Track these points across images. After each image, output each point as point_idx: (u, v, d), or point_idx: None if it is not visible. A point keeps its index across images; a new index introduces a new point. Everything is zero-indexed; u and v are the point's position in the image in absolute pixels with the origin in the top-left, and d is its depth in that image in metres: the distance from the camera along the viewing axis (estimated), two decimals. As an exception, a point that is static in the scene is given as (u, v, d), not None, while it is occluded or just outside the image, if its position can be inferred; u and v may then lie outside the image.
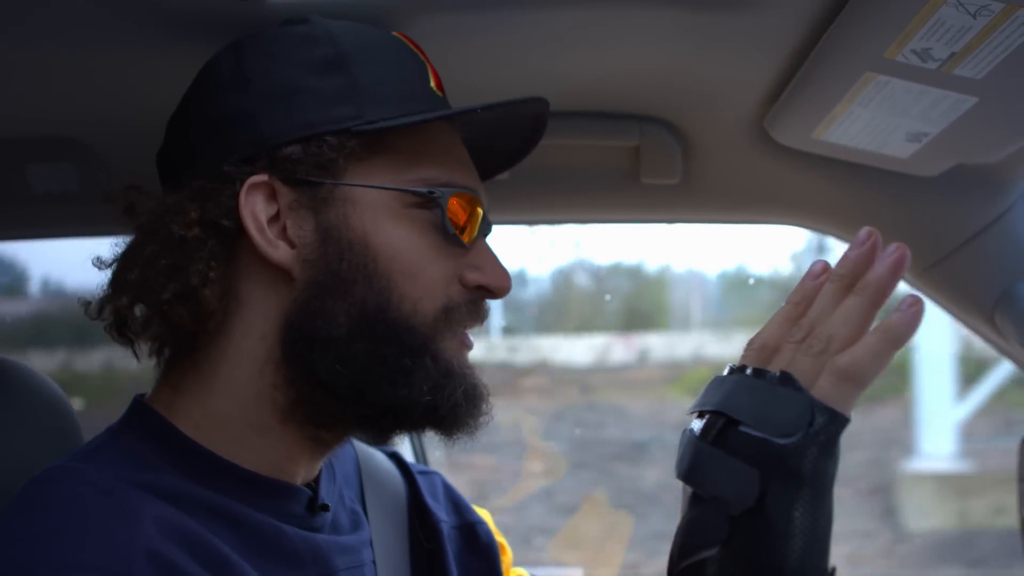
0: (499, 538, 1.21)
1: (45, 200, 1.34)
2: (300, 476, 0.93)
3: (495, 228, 1.00)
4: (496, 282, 0.93)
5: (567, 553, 4.66)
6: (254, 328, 0.88)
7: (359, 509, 1.05)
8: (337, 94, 0.89)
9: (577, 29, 1.06)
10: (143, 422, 0.89)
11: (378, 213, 0.88)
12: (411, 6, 1.00)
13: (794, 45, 1.06)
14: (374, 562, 1.01)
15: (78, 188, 1.32)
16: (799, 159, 1.28)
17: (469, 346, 0.93)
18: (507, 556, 1.21)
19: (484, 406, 0.92)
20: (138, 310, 0.88)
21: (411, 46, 0.96)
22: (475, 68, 1.11)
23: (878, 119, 1.10)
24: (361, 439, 1.16)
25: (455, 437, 0.92)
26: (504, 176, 1.32)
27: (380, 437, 1.02)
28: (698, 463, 0.76)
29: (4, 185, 1.32)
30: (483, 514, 1.21)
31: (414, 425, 0.93)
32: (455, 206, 0.91)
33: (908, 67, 0.98)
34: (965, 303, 1.40)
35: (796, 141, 1.22)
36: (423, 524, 1.12)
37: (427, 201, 0.90)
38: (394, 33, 0.97)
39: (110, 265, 0.91)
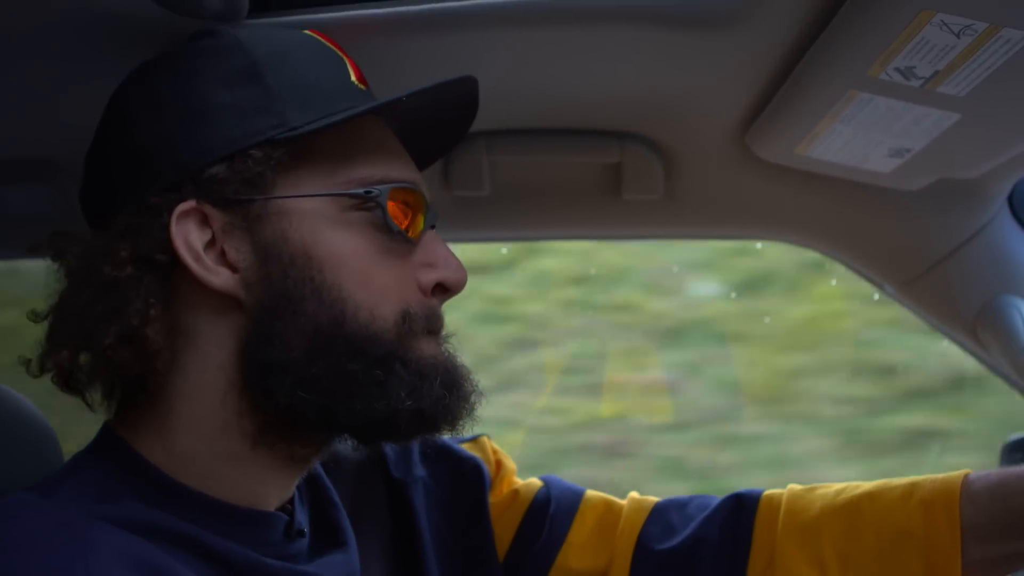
0: (495, 456, 1.17)
1: (17, 222, 1.32)
2: (275, 499, 0.90)
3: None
4: (451, 275, 0.90)
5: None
6: (209, 359, 0.85)
7: (335, 513, 1.00)
8: (255, 105, 0.85)
9: (556, 47, 1.05)
10: (110, 452, 0.86)
11: (316, 222, 0.85)
12: (390, 26, 1.00)
13: (777, 62, 1.06)
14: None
15: (51, 210, 1.30)
16: (781, 174, 1.28)
17: (439, 342, 0.90)
18: (504, 469, 1.17)
19: (468, 386, 0.89)
20: (83, 358, 0.84)
21: (326, 42, 0.93)
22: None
23: (860, 135, 1.10)
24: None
25: (450, 430, 0.89)
26: (484, 192, 1.32)
27: (364, 448, 0.99)
28: None
29: (-25, 207, 1.30)
30: (480, 442, 1.17)
31: (401, 435, 0.90)
32: (396, 201, 0.88)
33: (891, 85, 0.97)
34: (947, 316, 1.41)
35: (778, 157, 1.22)
36: (390, 490, 1.08)
37: (365, 202, 0.86)
38: (305, 32, 0.93)
39: (46, 317, 0.87)
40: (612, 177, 1.33)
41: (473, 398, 0.89)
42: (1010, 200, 1.33)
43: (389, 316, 0.85)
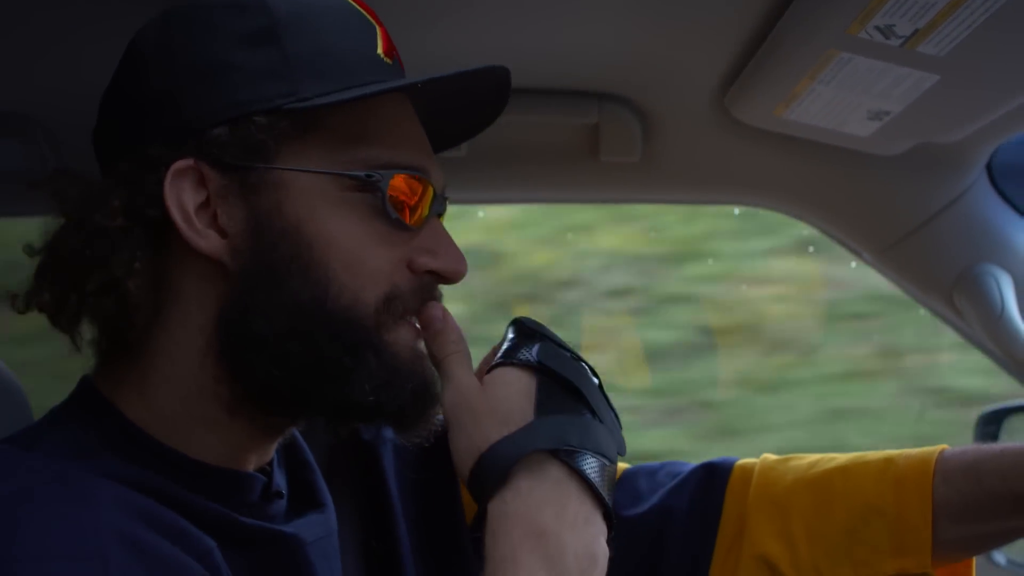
0: None
1: None
2: (253, 462, 0.89)
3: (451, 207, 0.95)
4: (448, 265, 0.87)
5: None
6: (191, 320, 0.83)
7: (312, 476, 0.99)
8: (268, 69, 0.82)
9: (535, 5, 1.04)
10: (89, 406, 0.85)
11: (313, 199, 0.82)
12: None
13: (756, 22, 1.05)
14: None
15: (22, 166, 1.28)
16: (760, 137, 1.27)
17: (418, 335, 0.88)
18: None
19: (434, 404, 0.87)
20: (67, 300, 0.83)
21: (359, 7, 0.89)
22: (431, 42, 1.09)
23: (839, 97, 1.09)
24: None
25: (403, 432, 0.88)
26: (461, 153, 1.31)
27: (333, 430, 0.97)
28: None
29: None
30: None
31: (362, 420, 0.90)
32: (399, 187, 0.85)
33: (871, 44, 0.96)
34: (925, 283, 1.41)
35: (757, 119, 1.21)
36: (361, 452, 1.07)
37: (366, 184, 0.83)
38: None
39: (39, 253, 0.85)
40: (590, 139, 1.32)
41: (435, 415, 0.88)
42: (989, 167, 1.32)
43: (371, 301, 0.83)
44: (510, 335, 0.87)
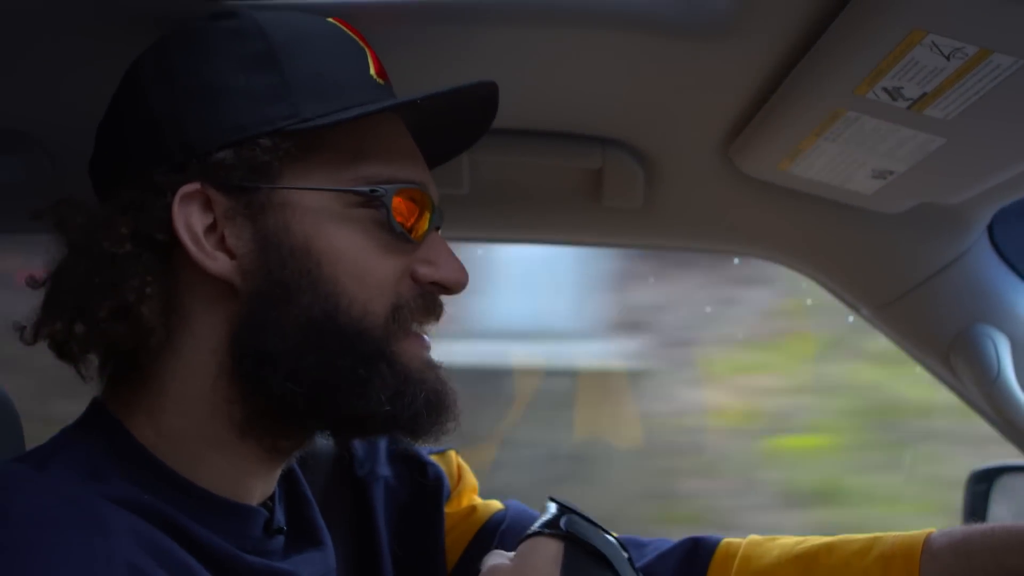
0: (459, 471, 1.17)
1: None
2: (258, 494, 0.90)
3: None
4: (450, 276, 0.89)
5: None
6: (203, 342, 0.84)
7: (311, 512, 1.00)
8: (268, 92, 0.85)
9: (544, 49, 1.05)
10: (99, 428, 0.85)
11: (319, 216, 0.84)
12: (378, 15, 0.98)
13: (764, 76, 1.05)
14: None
15: (26, 182, 1.27)
16: (763, 190, 1.27)
17: (427, 346, 0.90)
18: (464, 483, 1.17)
19: (449, 413, 0.88)
20: (77, 328, 0.83)
21: (349, 32, 0.92)
22: (436, 84, 1.09)
23: (844, 154, 1.09)
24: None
25: (419, 442, 0.89)
26: (462, 192, 1.31)
27: (341, 444, 0.99)
28: None
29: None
30: (447, 456, 1.17)
31: (376, 432, 0.91)
32: (401, 202, 0.87)
33: (878, 104, 0.97)
34: (921, 341, 1.40)
35: (761, 172, 1.21)
36: (353, 489, 1.08)
37: (370, 200, 0.86)
38: (330, 20, 0.92)
39: (43, 284, 0.86)
40: (593, 183, 1.32)
41: (450, 424, 0.89)
42: (990, 229, 1.32)
43: (380, 312, 0.85)
44: (546, 511, 0.89)
